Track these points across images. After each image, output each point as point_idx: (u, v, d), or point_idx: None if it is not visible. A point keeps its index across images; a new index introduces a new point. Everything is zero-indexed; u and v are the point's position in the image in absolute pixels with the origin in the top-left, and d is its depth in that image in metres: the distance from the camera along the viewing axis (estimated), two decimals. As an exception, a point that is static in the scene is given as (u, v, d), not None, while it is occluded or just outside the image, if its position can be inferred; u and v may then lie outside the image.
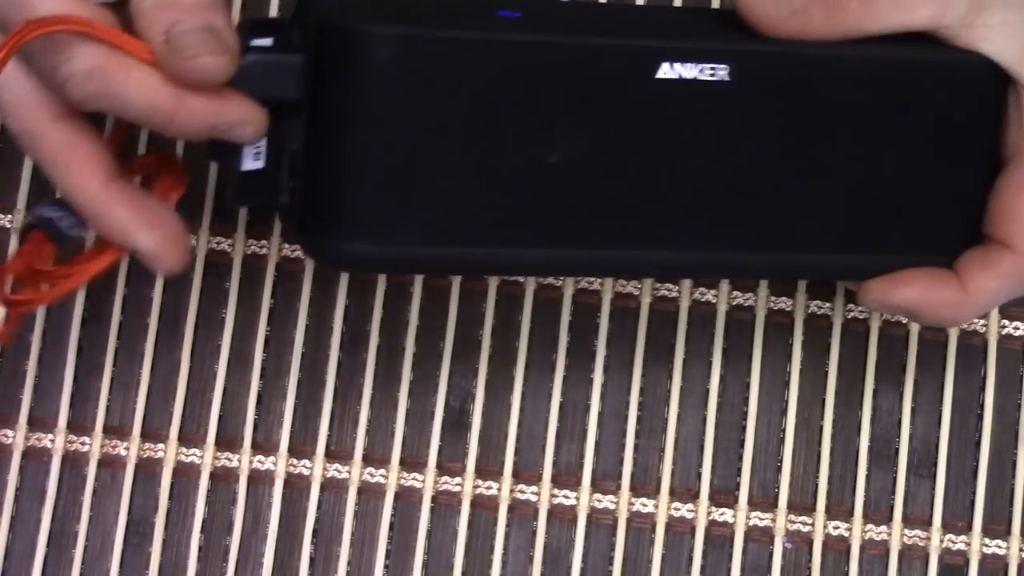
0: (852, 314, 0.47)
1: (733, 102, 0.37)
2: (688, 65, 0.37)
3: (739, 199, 0.38)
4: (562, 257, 0.38)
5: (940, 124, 0.39)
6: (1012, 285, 0.40)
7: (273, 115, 0.37)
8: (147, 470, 0.47)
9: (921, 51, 0.39)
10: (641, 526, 0.47)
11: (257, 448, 0.47)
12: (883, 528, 0.46)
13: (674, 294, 0.48)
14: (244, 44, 0.36)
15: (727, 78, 0.37)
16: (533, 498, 0.47)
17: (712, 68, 0.37)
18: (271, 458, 0.47)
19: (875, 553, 0.46)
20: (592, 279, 0.47)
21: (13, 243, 0.48)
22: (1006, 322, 0.47)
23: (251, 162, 0.38)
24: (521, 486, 0.47)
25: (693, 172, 0.38)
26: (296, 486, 0.47)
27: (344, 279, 0.48)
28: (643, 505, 0.47)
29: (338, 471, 0.47)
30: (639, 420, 0.47)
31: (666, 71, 0.37)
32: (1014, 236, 0.39)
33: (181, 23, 0.35)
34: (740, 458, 0.47)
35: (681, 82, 0.37)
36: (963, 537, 0.46)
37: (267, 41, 0.37)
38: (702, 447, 0.47)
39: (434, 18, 0.37)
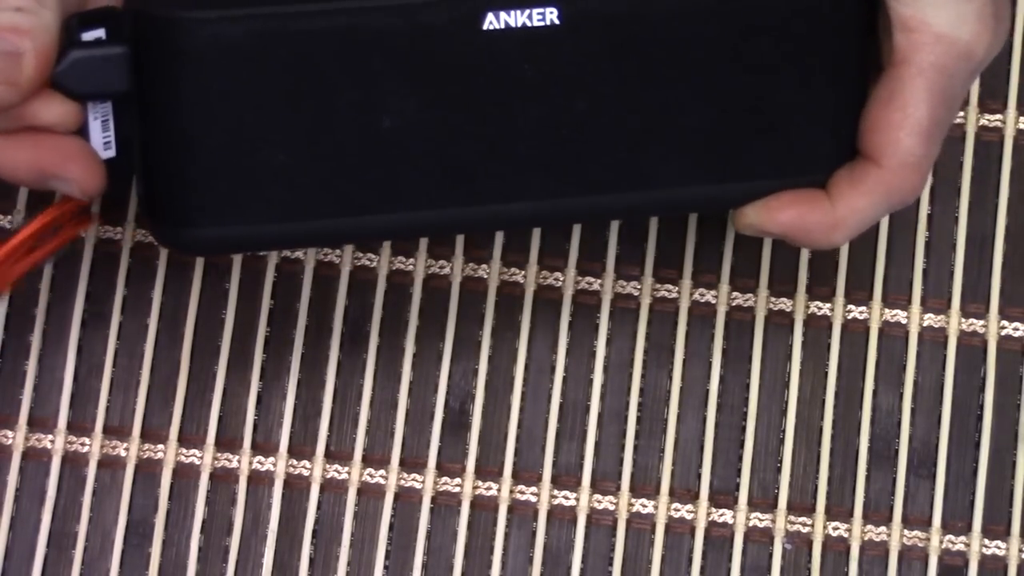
0: (852, 314, 0.47)
1: (567, 44, 0.36)
2: (513, 12, 0.36)
3: (591, 141, 0.37)
4: (411, 219, 0.38)
5: (802, 41, 0.38)
6: (881, 202, 0.39)
7: (115, 105, 0.37)
8: (147, 471, 0.47)
9: None
10: (641, 527, 0.47)
11: (257, 449, 0.47)
12: (883, 529, 0.46)
13: (674, 294, 0.48)
14: (72, 38, 0.36)
15: (557, 21, 0.36)
16: (533, 499, 0.47)
17: (540, 12, 0.36)
18: (271, 459, 0.47)
19: (875, 554, 0.46)
20: (592, 279, 0.47)
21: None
22: (1006, 322, 0.47)
23: (103, 151, 0.38)
24: (521, 487, 0.47)
25: (536, 120, 0.37)
26: (296, 487, 0.47)
27: (344, 279, 0.48)
28: (643, 506, 0.47)
29: (338, 472, 0.47)
30: (639, 420, 0.47)
31: (492, 22, 0.36)
32: (880, 149, 0.38)
33: None
34: (740, 459, 0.47)
35: (509, 32, 0.36)
36: (963, 538, 0.46)
37: (99, 33, 0.37)
38: (702, 447, 0.47)
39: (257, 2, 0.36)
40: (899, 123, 0.38)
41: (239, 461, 0.47)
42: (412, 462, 0.47)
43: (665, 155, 0.38)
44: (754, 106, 0.38)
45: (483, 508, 0.47)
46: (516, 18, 0.36)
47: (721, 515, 0.47)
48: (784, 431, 0.47)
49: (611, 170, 0.38)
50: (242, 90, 0.36)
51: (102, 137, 0.38)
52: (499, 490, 0.47)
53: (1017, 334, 0.47)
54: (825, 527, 0.47)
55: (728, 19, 0.37)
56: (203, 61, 0.36)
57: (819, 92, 0.38)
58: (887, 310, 0.47)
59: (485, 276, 0.48)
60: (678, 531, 0.47)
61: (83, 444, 0.47)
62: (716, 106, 0.38)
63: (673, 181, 0.38)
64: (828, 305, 0.48)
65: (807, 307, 0.48)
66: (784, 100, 0.38)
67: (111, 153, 0.38)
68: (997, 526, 0.46)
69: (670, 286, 0.48)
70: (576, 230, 0.48)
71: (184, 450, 0.47)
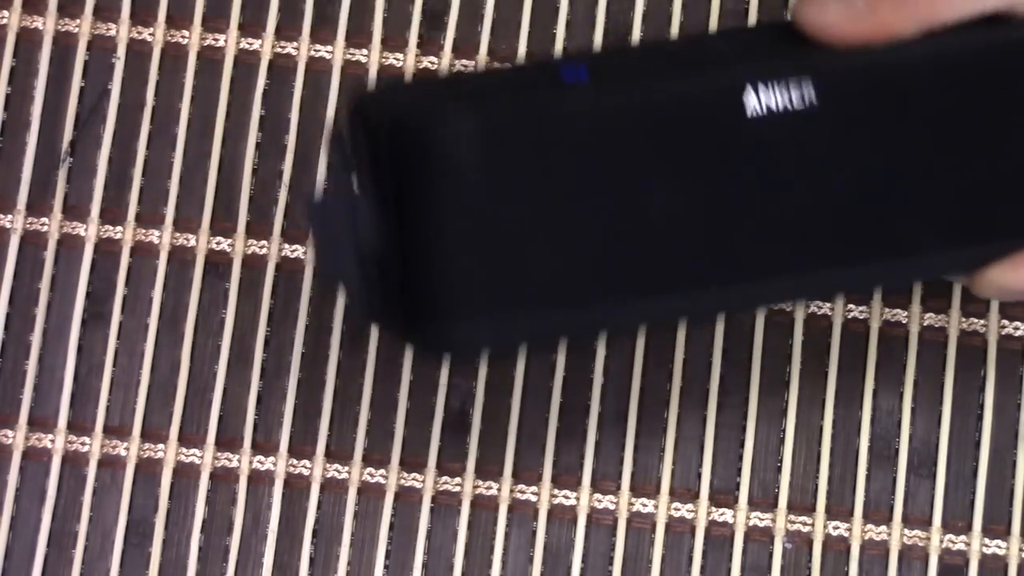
0: (852, 314, 0.47)
1: (825, 123, 0.36)
2: (773, 94, 0.36)
3: (850, 214, 0.37)
4: (671, 302, 0.37)
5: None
6: None
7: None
8: (147, 470, 0.47)
9: (1001, 33, 0.37)
10: (641, 526, 0.47)
11: (257, 448, 0.47)
12: (883, 528, 0.46)
13: (674, 294, 0.48)
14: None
15: (815, 100, 0.36)
16: (533, 498, 0.47)
17: (798, 91, 0.36)
18: (271, 458, 0.47)
19: (875, 553, 0.46)
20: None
21: (13, 243, 0.48)
22: (1006, 322, 0.47)
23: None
24: (521, 486, 0.47)
25: (799, 196, 0.37)
26: (296, 486, 0.47)
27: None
28: (643, 505, 0.47)
29: (338, 471, 0.47)
30: (639, 420, 0.47)
31: (752, 108, 0.36)
32: None
33: None
34: (740, 458, 0.47)
35: (773, 116, 0.36)
36: (963, 537, 0.46)
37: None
38: (702, 447, 0.47)
39: (501, 93, 0.36)
40: None
41: (239, 461, 0.47)
42: (412, 462, 0.47)
43: (922, 220, 0.38)
44: (998, 166, 0.38)
45: (483, 508, 0.47)
46: (776, 101, 0.36)
47: (721, 514, 0.47)
48: (784, 431, 0.47)
49: (872, 240, 0.38)
50: (507, 186, 0.36)
51: None
52: (499, 490, 0.47)
53: (1017, 334, 0.47)
54: (825, 526, 0.47)
55: (971, 85, 0.37)
56: (472, 164, 0.35)
57: None
58: (887, 310, 0.47)
59: (485, 276, 0.48)
60: (678, 530, 0.47)
61: (83, 444, 0.47)
62: (970, 167, 0.38)
63: (931, 246, 0.38)
64: (828, 305, 0.48)
65: (807, 307, 0.48)
66: (1016, 158, 0.38)
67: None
68: (997, 526, 0.46)
69: (670, 286, 0.48)
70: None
71: (184, 450, 0.47)
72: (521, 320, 0.36)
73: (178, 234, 0.48)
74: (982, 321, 0.47)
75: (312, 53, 0.49)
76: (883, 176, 0.37)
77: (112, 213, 0.48)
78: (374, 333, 0.47)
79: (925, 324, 0.47)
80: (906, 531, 0.46)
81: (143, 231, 0.48)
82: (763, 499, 0.47)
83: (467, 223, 0.36)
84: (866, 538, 0.46)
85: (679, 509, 0.47)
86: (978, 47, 0.37)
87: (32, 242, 0.48)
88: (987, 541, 0.46)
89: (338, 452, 0.47)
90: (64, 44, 0.49)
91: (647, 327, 0.46)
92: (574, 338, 0.42)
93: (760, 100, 0.36)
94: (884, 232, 0.38)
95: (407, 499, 0.47)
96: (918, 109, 0.37)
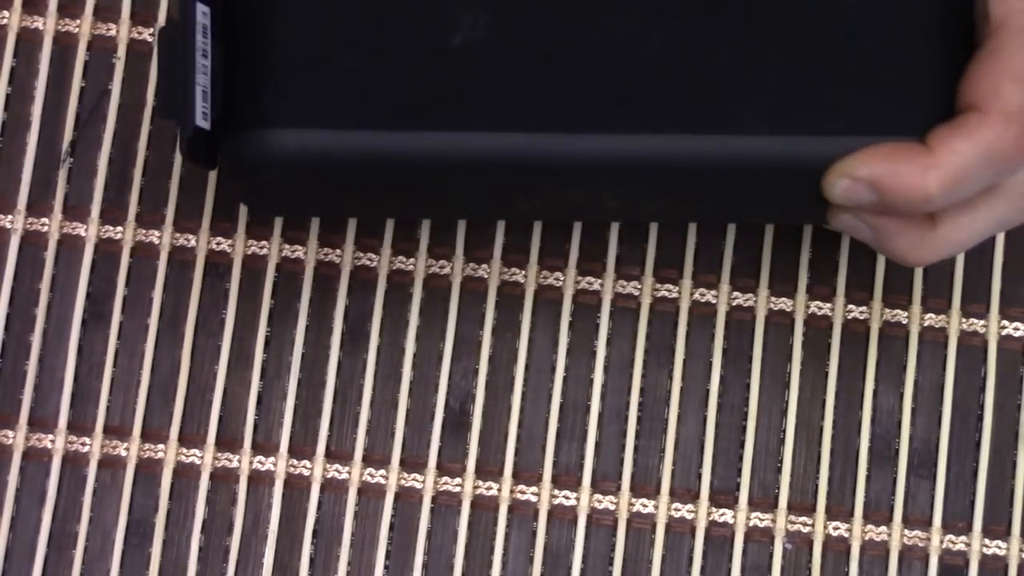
0: (852, 314, 0.47)
1: None
2: None
3: (673, 76, 0.35)
4: (479, 143, 0.35)
5: None
6: (981, 151, 0.36)
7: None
8: (147, 470, 0.47)
9: None
10: (641, 527, 0.47)
11: (257, 448, 0.47)
12: (883, 529, 0.47)
13: (674, 294, 0.48)
14: None
15: None
16: (533, 499, 0.47)
17: None
18: (271, 459, 0.47)
19: (875, 554, 0.46)
20: (592, 279, 0.47)
21: (13, 243, 0.48)
22: (1006, 322, 0.47)
23: (201, 121, 0.37)
24: (521, 487, 0.47)
25: (615, 48, 0.35)
26: (296, 486, 0.47)
27: (344, 279, 0.48)
28: (643, 506, 0.47)
29: (338, 472, 0.47)
30: (639, 420, 0.47)
31: None
32: (980, 97, 0.36)
33: None
34: (740, 459, 0.47)
35: None
36: (963, 538, 0.46)
37: None
38: (702, 448, 0.47)
39: None
40: (1000, 72, 0.36)
41: (239, 461, 0.47)
42: (412, 462, 0.47)
43: (753, 97, 0.35)
44: (857, 54, 0.36)
45: (483, 508, 0.47)
46: None
47: (721, 515, 0.47)
48: (784, 431, 0.47)
49: (692, 109, 0.35)
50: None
51: (201, 105, 0.37)
52: (499, 490, 0.47)
53: (1017, 334, 0.47)
54: (825, 527, 0.47)
55: None
56: None
57: (921, 48, 0.36)
58: (887, 310, 0.47)
59: (485, 276, 0.48)
60: (678, 531, 0.47)
61: (83, 444, 0.47)
62: (818, 48, 0.35)
63: (758, 127, 0.35)
64: (828, 305, 0.48)
65: (807, 307, 0.48)
66: (889, 52, 0.36)
67: (206, 125, 0.37)
68: (997, 526, 0.46)
69: (670, 286, 0.48)
70: (576, 230, 0.48)
71: (184, 450, 0.47)
72: (328, 137, 0.36)
73: (178, 234, 0.48)
74: (982, 321, 0.47)
75: None
76: (715, 37, 0.35)
77: (112, 213, 0.48)
78: (374, 333, 0.47)
79: (925, 324, 0.47)
80: (906, 531, 0.46)
81: (143, 231, 0.48)
82: (763, 499, 0.47)
83: (295, 32, 0.36)
84: (866, 539, 0.46)
85: (679, 509, 0.47)
86: None
87: (32, 242, 0.48)
88: (987, 541, 0.46)
89: (338, 452, 0.47)
90: (64, 44, 0.49)
91: (466, 196, 0.42)
92: (388, 170, 0.38)
93: None
94: (704, 102, 0.35)
95: (407, 499, 0.47)
96: None
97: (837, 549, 0.47)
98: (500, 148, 0.36)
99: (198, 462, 0.47)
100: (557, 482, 0.47)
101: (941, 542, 0.46)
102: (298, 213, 0.46)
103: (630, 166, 0.36)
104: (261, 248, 0.48)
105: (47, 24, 0.49)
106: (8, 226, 0.48)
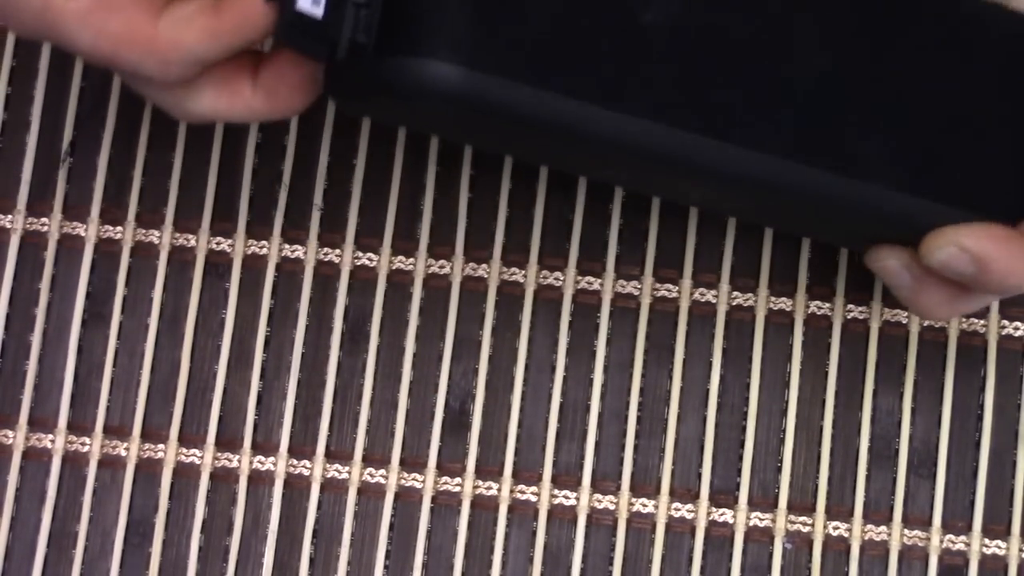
0: (852, 314, 0.47)
1: (846, 7, 0.35)
2: None
3: (824, 110, 0.36)
4: (633, 129, 0.36)
5: None
6: None
7: None
8: (147, 470, 0.47)
9: None
10: (641, 526, 0.47)
11: (257, 448, 0.47)
12: (883, 528, 0.47)
13: (674, 294, 0.48)
14: None
15: None
16: (533, 498, 0.47)
17: None
18: (271, 458, 0.47)
19: (875, 554, 0.46)
20: (592, 279, 0.47)
21: (13, 243, 0.48)
22: (1006, 322, 0.47)
23: (308, 5, 0.36)
24: (521, 486, 0.47)
25: (784, 69, 0.36)
26: (296, 486, 0.47)
27: (344, 279, 0.48)
28: (643, 505, 0.47)
29: (338, 471, 0.47)
30: (639, 420, 0.47)
31: None
32: None
33: None
34: (740, 458, 0.47)
35: None
36: (963, 538, 0.46)
37: None
38: (702, 447, 0.47)
39: None
40: None
41: (239, 461, 0.47)
42: (412, 462, 0.47)
43: (881, 146, 0.36)
44: (978, 129, 0.37)
45: (483, 508, 0.47)
46: None
47: (721, 515, 0.47)
48: (784, 431, 0.47)
49: (832, 148, 0.36)
50: None
51: None
52: (499, 490, 0.47)
53: (1017, 334, 0.47)
54: (825, 527, 0.47)
55: (996, 39, 0.37)
56: None
57: None
58: (887, 310, 0.47)
59: (485, 276, 0.48)
60: (678, 531, 0.47)
61: (83, 444, 0.47)
62: (949, 117, 0.37)
63: (883, 180, 0.37)
64: (828, 305, 0.48)
65: (807, 307, 0.48)
66: (1004, 132, 0.37)
67: (318, 12, 0.36)
68: (997, 526, 0.46)
69: (670, 286, 0.48)
70: (576, 230, 0.48)
71: (184, 450, 0.47)
72: (493, 87, 0.36)
73: (178, 234, 0.48)
74: (982, 321, 0.47)
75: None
76: (875, 90, 0.36)
77: (112, 213, 0.48)
78: (374, 333, 0.47)
79: (925, 324, 0.47)
80: (906, 531, 0.46)
81: (143, 231, 0.48)
82: (763, 499, 0.47)
83: None
84: (866, 538, 0.46)
85: (679, 509, 0.47)
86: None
87: (32, 242, 0.48)
88: (987, 541, 0.46)
89: (338, 452, 0.47)
90: (64, 44, 0.49)
91: (591, 166, 0.43)
92: (518, 140, 0.40)
93: None
94: (844, 144, 0.36)
95: (407, 499, 0.47)
96: (930, 32, 0.36)
97: (837, 549, 0.47)
98: (648, 137, 0.36)
99: (198, 462, 0.47)
100: (557, 482, 0.47)
101: (941, 542, 0.46)
102: (393, 124, 0.46)
103: (750, 182, 0.38)
104: (261, 248, 0.48)
105: (47, 24, 0.49)
106: (8, 226, 0.48)
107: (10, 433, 0.47)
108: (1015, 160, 0.38)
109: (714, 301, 0.48)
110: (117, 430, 0.47)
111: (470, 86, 0.36)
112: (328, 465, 0.47)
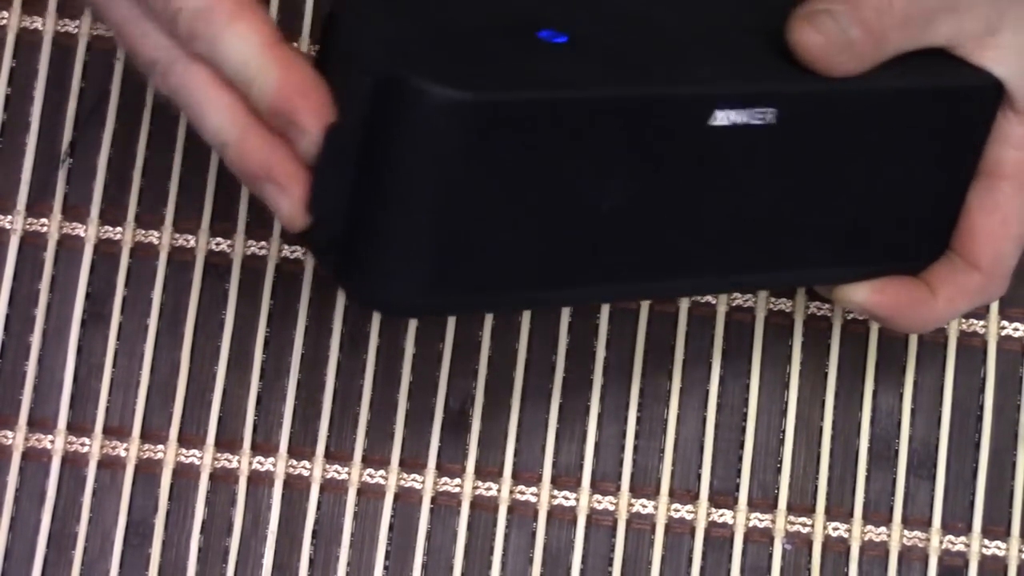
0: (852, 315, 0.47)
1: (774, 141, 0.38)
2: (741, 111, 0.37)
3: (763, 226, 0.39)
4: (600, 292, 0.39)
5: (937, 140, 0.40)
6: (976, 302, 0.41)
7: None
8: (147, 471, 0.47)
9: (937, 76, 0.39)
10: (641, 527, 0.47)
11: (257, 449, 0.47)
12: (883, 529, 0.47)
13: (674, 295, 0.48)
14: None
15: (774, 121, 0.37)
16: (533, 499, 0.47)
17: (762, 113, 0.37)
18: (271, 459, 0.47)
19: (875, 554, 0.46)
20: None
21: (13, 243, 0.48)
22: (1006, 323, 0.47)
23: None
24: (521, 487, 0.47)
25: (729, 206, 0.38)
26: (296, 487, 0.47)
27: (344, 280, 0.48)
28: (643, 506, 0.47)
29: (338, 472, 0.47)
30: (639, 421, 0.47)
31: (719, 119, 0.37)
32: (981, 257, 0.40)
33: None
34: (740, 459, 0.47)
35: (732, 128, 0.37)
36: (963, 538, 0.46)
37: None
38: (702, 448, 0.47)
39: (484, 52, 0.36)
40: (1003, 236, 0.40)
41: (239, 461, 0.47)
42: (412, 462, 0.47)
43: (815, 239, 0.40)
44: (890, 196, 0.40)
45: (483, 508, 0.47)
46: (742, 116, 0.37)
47: (721, 515, 0.47)
48: (784, 431, 0.47)
49: (773, 251, 0.40)
50: (475, 163, 0.35)
51: None
52: (499, 490, 0.47)
53: (1017, 334, 0.47)
54: (825, 527, 0.47)
55: (899, 120, 0.39)
56: (447, 133, 0.35)
57: (937, 187, 0.40)
58: (887, 310, 0.47)
59: (485, 276, 0.48)
60: (678, 531, 0.47)
61: (83, 444, 0.47)
62: (865, 195, 0.40)
63: (815, 263, 0.40)
64: (828, 305, 0.48)
65: (807, 307, 0.48)
66: (911, 192, 0.40)
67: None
68: (997, 526, 0.46)
69: (670, 286, 0.48)
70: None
71: (184, 450, 0.47)
72: (458, 299, 0.37)
73: (178, 234, 0.48)
74: (982, 322, 0.47)
75: (313, 54, 0.49)
76: (796, 196, 0.39)
77: (112, 213, 0.48)
78: (374, 334, 0.47)
79: (925, 325, 0.47)
80: (906, 532, 0.46)
81: (143, 231, 0.48)
82: (763, 500, 0.47)
83: (435, 194, 0.35)
84: (866, 539, 0.46)
85: (679, 510, 0.47)
86: (912, 87, 0.39)
87: (32, 242, 0.48)
88: (987, 542, 0.46)
89: (338, 453, 0.47)
90: (64, 44, 0.49)
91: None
92: (514, 310, 0.44)
93: (726, 115, 0.37)
94: (784, 245, 0.40)
95: (407, 500, 0.47)
96: (846, 138, 0.39)
97: (836, 550, 0.47)
98: (609, 296, 0.42)
99: (198, 463, 0.47)
100: (557, 482, 0.47)
101: (941, 543, 0.46)
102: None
103: (706, 292, 0.46)
104: (261, 248, 0.48)
105: (47, 25, 0.49)
106: (8, 226, 0.48)
107: (10, 434, 0.47)
108: (925, 212, 0.41)
109: (714, 302, 0.48)
110: (117, 431, 0.47)
111: (430, 304, 0.37)
112: (328, 466, 0.47)
